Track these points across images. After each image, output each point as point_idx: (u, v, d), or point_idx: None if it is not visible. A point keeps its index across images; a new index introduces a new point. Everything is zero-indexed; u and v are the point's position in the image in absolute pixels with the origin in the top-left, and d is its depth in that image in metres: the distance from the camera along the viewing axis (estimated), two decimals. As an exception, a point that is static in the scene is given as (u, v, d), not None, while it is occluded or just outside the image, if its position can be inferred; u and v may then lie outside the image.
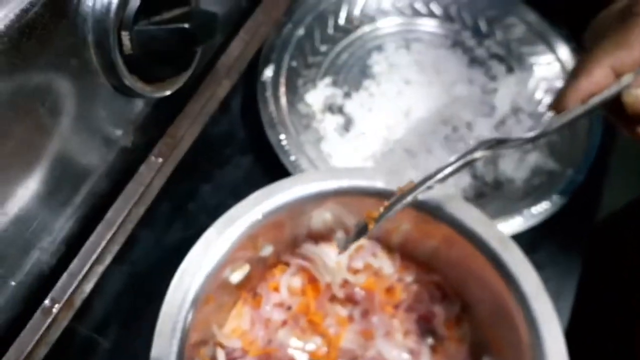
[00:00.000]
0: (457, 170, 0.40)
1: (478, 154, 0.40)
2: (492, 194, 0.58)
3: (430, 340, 0.49)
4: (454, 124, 0.63)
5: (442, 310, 0.49)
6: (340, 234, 0.50)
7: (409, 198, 0.40)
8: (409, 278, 0.51)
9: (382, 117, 0.63)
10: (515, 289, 0.41)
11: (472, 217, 0.44)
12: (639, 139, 0.40)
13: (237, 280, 0.47)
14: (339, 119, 0.63)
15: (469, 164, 0.40)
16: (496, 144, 0.40)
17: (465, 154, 0.39)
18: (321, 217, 0.49)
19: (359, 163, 0.61)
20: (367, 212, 0.42)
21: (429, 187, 0.40)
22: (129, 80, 0.44)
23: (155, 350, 0.40)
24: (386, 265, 0.50)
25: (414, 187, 0.40)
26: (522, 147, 0.56)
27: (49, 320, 0.42)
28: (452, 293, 0.50)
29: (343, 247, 0.44)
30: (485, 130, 0.62)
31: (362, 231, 0.42)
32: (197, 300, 0.42)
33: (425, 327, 0.50)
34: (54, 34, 0.38)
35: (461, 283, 0.49)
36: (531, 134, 0.40)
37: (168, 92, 0.48)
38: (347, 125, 0.64)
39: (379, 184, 0.46)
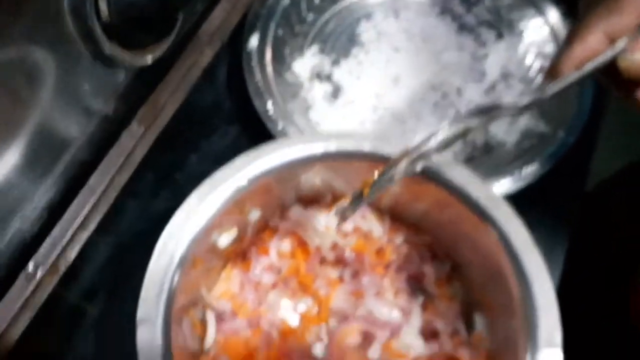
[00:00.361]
0: (452, 140, 0.40)
1: (472, 123, 0.39)
2: (482, 158, 0.58)
3: (420, 299, 0.49)
4: (444, 90, 0.62)
5: (432, 270, 0.49)
6: (338, 205, 0.50)
7: (403, 163, 0.40)
8: (398, 239, 0.50)
9: (370, 85, 0.62)
10: (506, 246, 0.41)
11: (462, 176, 0.43)
12: (634, 103, 0.39)
13: (225, 244, 0.46)
14: (327, 87, 0.63)
15: (464, 136, 0.40)
16: (489, 111, 0.39)
17: (457, 121, 0.39)
18: (310, 181, 0.48)
19: (347, 131, 0.60)
20: (363, 179, 0.41)
21: (424, 157, 0.40)
22: (108, 48, 0.44)
23: (141, 312, 0.39)
24: (375, 227, 0.50)
25: (408, 152, 0.40)
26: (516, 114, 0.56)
27: (33, 285, 0.42)
28: (442, 253, 0.50)
29: (342, 217, 0.43)
30: (475, 95, 0.61)
31: (358, 198, 0.42)
32: (182, 263, 0.41)
33: (415, 286, 0.49)
34: (24, 2, 0.37)
35: (452, 244, 0.49)
36: (525, 102, 0.39)
37: (149, 61, 0.47)
38: (336, 93, 0.63)
39: (367, 147, 0.45)
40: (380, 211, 0.51)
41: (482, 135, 0.59)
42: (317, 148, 0.45)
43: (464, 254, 0.48)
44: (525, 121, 0.59)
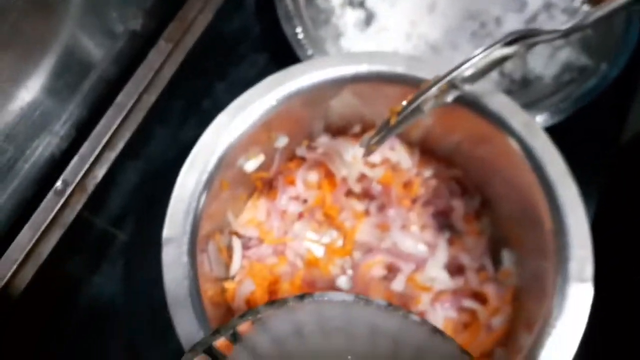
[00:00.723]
0: (487, 69, 0.38)
1: (507, 50, 0.37)
2: (519, 92, 0.55)
3: (447, 234, 0.48)
4: (482, 19, 0.59)
5: (461, 205, 0.48)
6: (365, 135, 0.49)
7: (434, 90, 0.38)
8: (427, 173, 0.49)
9: (405, 12, 0.60)
10: (541, 175, 0.39)
11: (500, 103, 0.41)
12: None
13: (251, 169, 0.46)
14: (359, 14, 0.60)
15: (500, 64, 0.38)
16: (526, 37, 0.37)
17: (492, 45, 0.37)
18: (339, 108, 0.47)
19: (380, 52, 0.58)
20: (390, 107, 0.40)
21: (457, 85, 0.38)
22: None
23: (167, 231, 0.39)
24: (404, 159, 0.49)
25: (440, 79, 0.38)
26: (554, 41, 0.52)
27: (62, 201, 0.42)
28: (472, 188, 0.48)
29: (368, 149, 0.42)
30: (515, 26, 0.58)
31: (384, 128, 0.40)
32: (210, 183, 0.41)
33: (443, 221, 0.49)
34: None
35: (483, 178, 0.47)
36: (565, 26, 0.37)
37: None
38: (368, 20, 0.60)
39: (400, 69, 0.43)
40: (410, 143, 0.50)
41: (520, 67, 0.56)
42: (348, 69, 0.43)
43: (495, 188, 0.47)
44: (566, 54, 0.56)
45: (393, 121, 0.40)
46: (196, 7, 0.49)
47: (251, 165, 0.46)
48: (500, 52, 0.36)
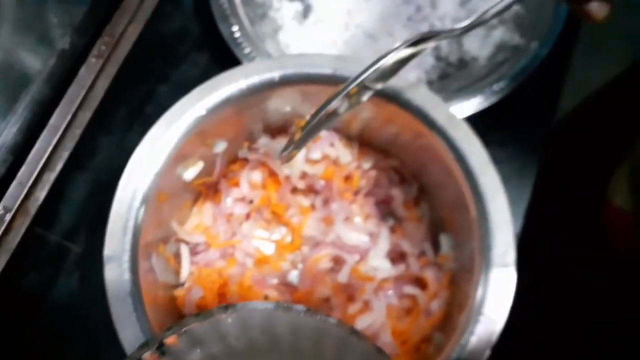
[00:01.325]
0: (396, 69, 0.38)
1: (413, 49, 0.38)
2: (456, 74, 0.56)
3: (390, 222, 0.50)
4: (417, 3, 0.59)
5: (400, 193, 0.49)
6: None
7: (338, 99, 0.38)
8: (367, 165, 0.50)
9: (342, 2, 0.60)
10: (463, 165, 0.41)
11: (421, 96, 0.42)
12: (583, 14, 0.37)
13: (191, 177, 0.46)
14: (297, 6, 0.60)
15: (408, 61, 0.38)
16: (428, 38, 0.38)
17: (398, 47, 0.37)
18: (276, 109, 0.48)
19: (319, 51, 0.58)
20: (297, 121, 0.41)
21: (368, 88, 0.38)
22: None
23: (107, 250, 0.40)
24: (343, 154, 0.50)
25: (345, 86, 0.38)
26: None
27: (3, 227, 0.42)
28: (410, 176, 0.50)
29: (280, 159, 0.43)
30: (450, 8, 0.59)
31: (290, 144, 0.41)
32: (147, 197, 0.42)
33: (385, 210, 0.50)
34: None
35: (419, 166, 0.49)
36: (463, 24, 0.38)
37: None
38: (306, 12, 0.60)
39: (327, 70, 0.44)
40: (349, 138, 0.51)
41: (455, 49, 0.57)
42: (274, 75, 0.44)
43: (430, 176, 0.48)
44: (499, 33, 0.57)
45: (298, 136, 0.40)
46: (124, 21, 0.48)
47: (190, 173, 0.46)
48: (405, 52, 0.37)
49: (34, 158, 0.45)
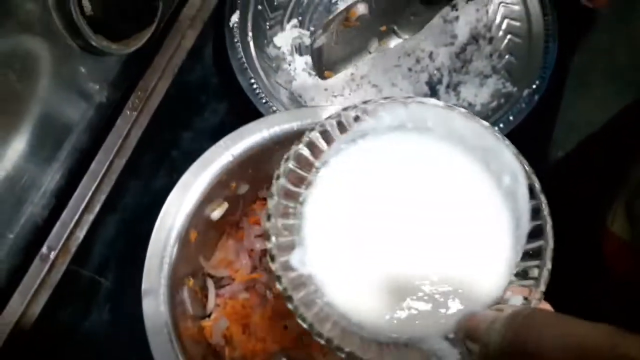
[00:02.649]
0: None
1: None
2: (454, 120, 0.61)
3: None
4: (417, 55, 0.65)
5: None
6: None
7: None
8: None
9: (348, 54, 0.66)
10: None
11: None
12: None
13: (217, 217, 0.51)
14: (307, 59, 0.66)
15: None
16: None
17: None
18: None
19: (329, 101, 0.63)
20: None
21: None
22: (95, 40, 0.47)
23: (145, 284, 0.44)
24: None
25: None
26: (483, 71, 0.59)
27: (47, 265, 0.47)
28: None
29: None
30: (446, 59, 0.64)
31: None
32: (180, 236, 0.46)
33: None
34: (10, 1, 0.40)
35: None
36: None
37: (134, 48, 0.51)
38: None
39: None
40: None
41: (453, 96, 0.62)
42: (293, 125, 0.48)
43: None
44: (493, 81, 0.62)
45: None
46: (155, 76, 0.54)
47: (217, 214, 0.51)
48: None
49: (76, 201, 0.49)
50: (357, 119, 0.38)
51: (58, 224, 0.48)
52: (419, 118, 0.39)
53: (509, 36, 0.64)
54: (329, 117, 0.37)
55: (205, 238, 0.52)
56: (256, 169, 0.52)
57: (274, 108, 0.60)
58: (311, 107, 0.59)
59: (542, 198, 0.37)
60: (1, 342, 0.44)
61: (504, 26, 0.65)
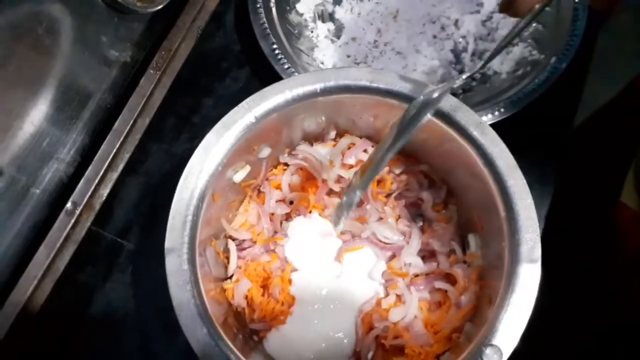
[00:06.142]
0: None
1: (426, 118, 0.42)
2: (478, 88, 0.61)
3: (419, 224, 0.54)
4: (442, 23, 0.64)
5: (429, 196, 0.53)
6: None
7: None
8: (398, 170, 0.54)
9: (371, 22, 0.65)
10: (492, 169, 0.44)
11: (450, 105, 0.46)
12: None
13: (239, 180, 0.51)
14: (330, 26, 0.65)
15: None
16: (434, 102, 0.42)
17: (414, 122, 0.42)
18: (314, 118, 0.52)
19: (347, 66, 0.63)
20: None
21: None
22: (121, -4, 0.47)
23: (168, 242, 0.44)
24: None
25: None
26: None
27: (73, 220, 0.47)
28: (438, 180, 0.54)
29: (335, 222, 0.48)
30: (472, 26, 0.63)
31: (340, 207, 0.46)
32: (203, 196, 0.46)
33: (415, 211, 0.54)
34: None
35: (447, 171, 0.53)
36: (462, 78, 0.43)
37: (159, 7, 0.50)
38: (338, 31, 0.65)
39: (364, 82, 0.48)
40: (381, 144, 0.55)
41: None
42: (316, 86, 0.48)
43: (458, 180, 0.52)
44: (519, 50, 0.61)
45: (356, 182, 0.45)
46: (179, 36, 0.54)
47: (239, 176, 0.51)
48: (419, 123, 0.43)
49: (100, 159, 0.50)
50: None
51: (83, 180, 0.49)
52: None
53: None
54: None
55: (227, 200, 0.52)
56: (278, 132, 0.52)
57: (297, 74, 0.60)
58: (334, 69, 0.58)
59: None
60: (27, 294, 0.44)
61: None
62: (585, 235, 0.57)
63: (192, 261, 0.45)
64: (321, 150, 0.54)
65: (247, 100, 0.48)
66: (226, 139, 0.47)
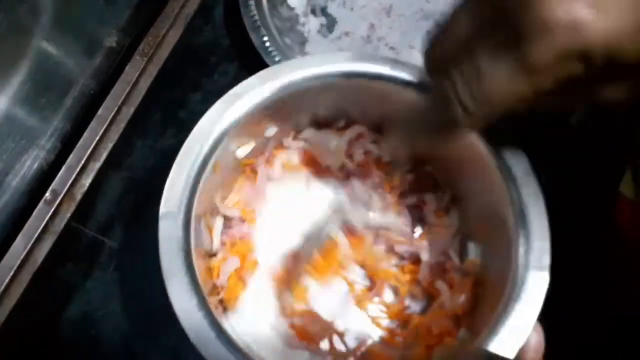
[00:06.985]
0: None
1: None
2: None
3: (419, 228, 0.51)
4: (436, 18, 0.63)
5: (433, 200, 0.51)
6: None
7: None
8: (404, 168, 0.52)
9: (364, 16, 0.64)
10: (506, 173, 0.42)
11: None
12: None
13: (242, 155, 0.48)
14: (322, 20, 0.64)
15: None
16: None
17: None
18: (326, 103, 0.50)
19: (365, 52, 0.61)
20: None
21: None
22: (108, -22, 0.45)
23: (164, 207, 0.41)
24: (385, 153, 0.51)
25: None
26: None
27: (52, 210, 0.44)
28: (444, 184, 0.51)
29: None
30: (466, 22, 0.63)
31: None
32: (205, 165, 0.43)
33: (415, 214, 0.52)
34: None
35: (454, 175, 0.50)
36: None
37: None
38: (330, 26, 0.64)
39: (386, 70, 0.46)
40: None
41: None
42: (336, 67, 0.46)
43: (465, 185, 0.49)
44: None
45: None
46: (167, 22, 0.52)
47: (242, 151, 0.48)
48: None
49: (82, 147, 0.47)
50: None
51: (63, 168, 0.46)
52: None
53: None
54: None
55: (224, 176, 0.49)
56: (288, 112, 0.49)
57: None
58: (355, 52, 0.56)
59: None
60: (3, 285, 0.41)
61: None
62: (584, 225, 0.56)
63: (186, 229, 0.41)
64: (328, 137, 0.52)
65: (264, 71, 0.46)
66: (235, 109, 0.44)
